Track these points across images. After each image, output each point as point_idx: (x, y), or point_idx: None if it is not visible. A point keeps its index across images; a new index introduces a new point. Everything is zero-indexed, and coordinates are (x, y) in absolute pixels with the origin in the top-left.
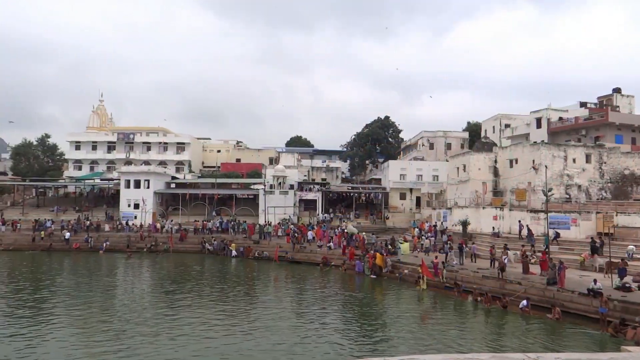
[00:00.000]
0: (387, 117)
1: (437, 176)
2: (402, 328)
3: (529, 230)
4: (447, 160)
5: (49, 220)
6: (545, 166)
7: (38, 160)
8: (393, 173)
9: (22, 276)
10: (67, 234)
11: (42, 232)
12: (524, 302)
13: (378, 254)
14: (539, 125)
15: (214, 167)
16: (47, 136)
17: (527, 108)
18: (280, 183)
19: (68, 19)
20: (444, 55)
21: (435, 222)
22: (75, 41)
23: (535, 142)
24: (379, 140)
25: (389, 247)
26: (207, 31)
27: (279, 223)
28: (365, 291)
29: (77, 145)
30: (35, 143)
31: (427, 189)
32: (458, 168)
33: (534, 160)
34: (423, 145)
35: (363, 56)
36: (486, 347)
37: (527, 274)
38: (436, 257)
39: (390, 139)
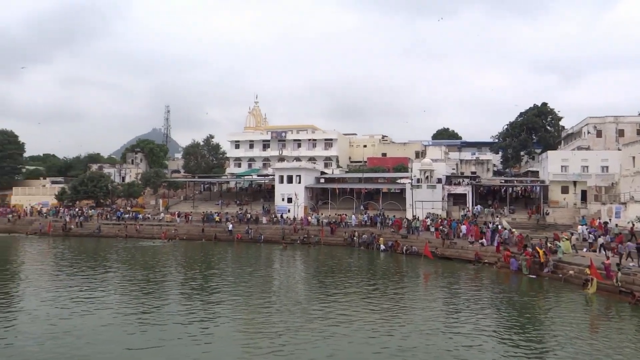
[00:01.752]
0: (544, 104)
1: (607, 167)
2: (568, 336)
3: None
4: (619, 149)
5: (215, 212)
6: None
7: (204, 159)
8: (553, 164)
9: (195, 263)
10: (230, 226)
11: (217, 217)
12: None
13: (539, 249)
14: None
15: (360, 162)
16: (211, 137)
17: None
18: (427, 177)
19: (223, 29)
20: (610, 30)
21: (609, 219)
22: (230, 49)
23: None
24: (535, 130)
25: (549, 245)
26: (351, 28)
27: (426, 217)
28: (523, 292)
29: (237, 144)
30: (201, 143)
31: (595, 181)
32: (634, 157)
33: None
34: (588, 132)
35: (512, 39)
36: None
37: None
38: (607, 258)
39: (548, 128)
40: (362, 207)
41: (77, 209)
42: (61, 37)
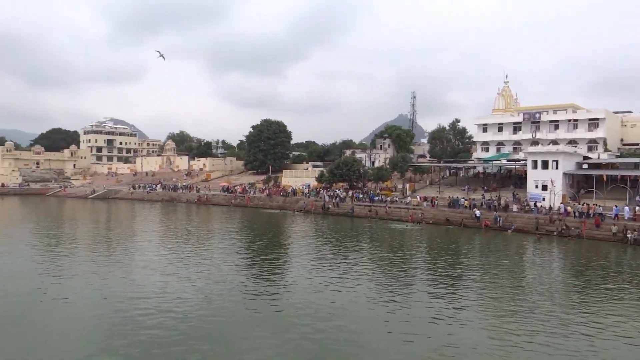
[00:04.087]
0: None
1: None
2: None
3: None
4: None
5: (461, 198)
6: None
7: (450, 144)
8: None
9: (441, 248)
10: (478, 212)
11: (465, 203)
12: None
13: None
14: None
15: (637, 144)
16: (457, 121)
17: None
18: None
19: (467, 12)
20: None
21: None
22: (475, 31)
23: None
24: None
25: None
26: None
27: None
28: None
29: (484, 128)
30: (447, 128)
31: None
32: None
33: None
34: None
35: None
36: None
37: None
38: None
39: None
40: (638, 198)
41: (334, 191)
42: (316, 35)
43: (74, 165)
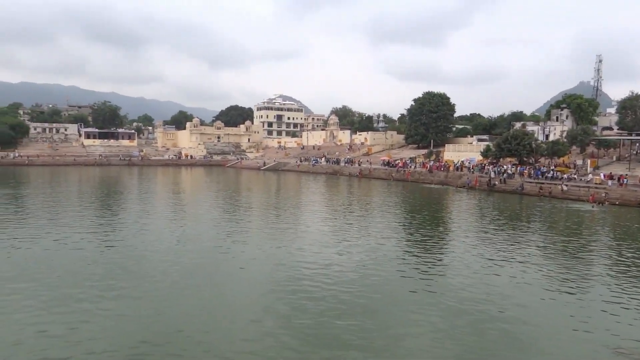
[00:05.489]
0: None
1: None
2: None
3: None
4: None
5: None
6: None
7: None
8: None
9: (629, 234)
10: None
11: None
12: None
13: None
14: None
15: None
16: None
17: None
18: None
19: None
20: None
21: None
22: None
23: None
24: None
25: None
26: None
27: None
28: None
29: None
30: None
31: None
32: None
33: None
34: None
35: None
36: None
37: None
38: None
39: None
40: None
41: (501, 166)
42: None
43: (249, 139)
